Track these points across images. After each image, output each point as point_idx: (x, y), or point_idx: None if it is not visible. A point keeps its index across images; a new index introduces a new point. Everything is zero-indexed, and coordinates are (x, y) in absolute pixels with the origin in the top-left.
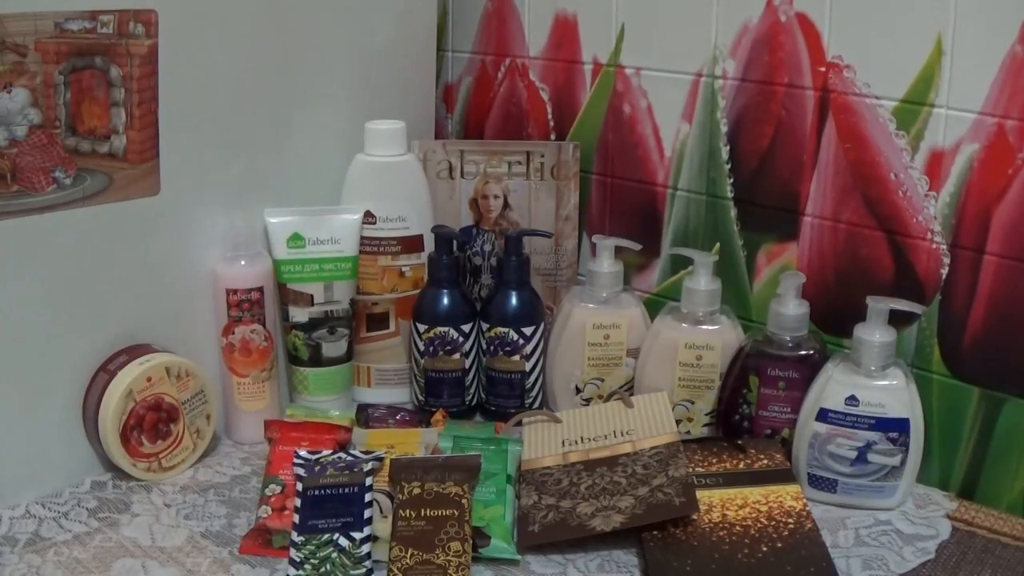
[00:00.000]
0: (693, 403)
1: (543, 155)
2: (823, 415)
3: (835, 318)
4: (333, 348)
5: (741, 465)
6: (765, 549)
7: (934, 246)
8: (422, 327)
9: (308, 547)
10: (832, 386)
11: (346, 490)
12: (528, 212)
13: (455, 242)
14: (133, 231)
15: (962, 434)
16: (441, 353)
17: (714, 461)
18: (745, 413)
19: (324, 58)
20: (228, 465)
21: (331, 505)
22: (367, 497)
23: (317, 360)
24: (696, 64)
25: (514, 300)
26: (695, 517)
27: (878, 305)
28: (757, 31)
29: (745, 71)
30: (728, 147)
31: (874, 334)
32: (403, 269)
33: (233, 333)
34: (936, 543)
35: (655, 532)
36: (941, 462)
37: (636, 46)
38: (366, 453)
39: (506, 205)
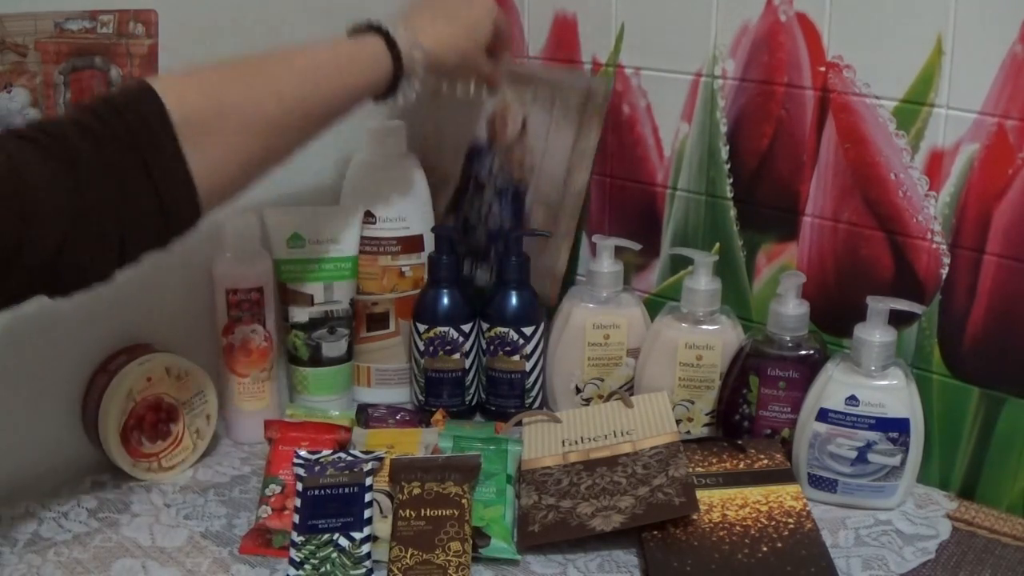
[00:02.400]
0: (693, 403)
1: (572, 88)
2: (823, 415)
3: (835, 318)
4: (333, 348)
5: (741, 465)
6: (765, 549)
7: (934, 246)
8: (422, 327)
9: (308, 547)
10: (832, 386)
11: (346, 490)
12: (545, 141)
13: (454, 242)
14: None
15: (962, 434)
16: (441, 353)
17: (714, 461)
18: (745, 413)
19: None
20: (228, 465)
21: (331, 505)
22: (367, 497)
23: (317, 360)
24: (696, 64)
25: (514, 300)
26: (695, 517)
27: (878, 305)
28: (757, 31)
29: (745, 71)
30: (728, 147)
31: (874, 334)
32: (403, 269)
33: (233, 333)
34: (936, 543)
35: (655, 532)
36: (941, 462)
37: (636, 46)
38: (366, 453)
39: (523, 130)
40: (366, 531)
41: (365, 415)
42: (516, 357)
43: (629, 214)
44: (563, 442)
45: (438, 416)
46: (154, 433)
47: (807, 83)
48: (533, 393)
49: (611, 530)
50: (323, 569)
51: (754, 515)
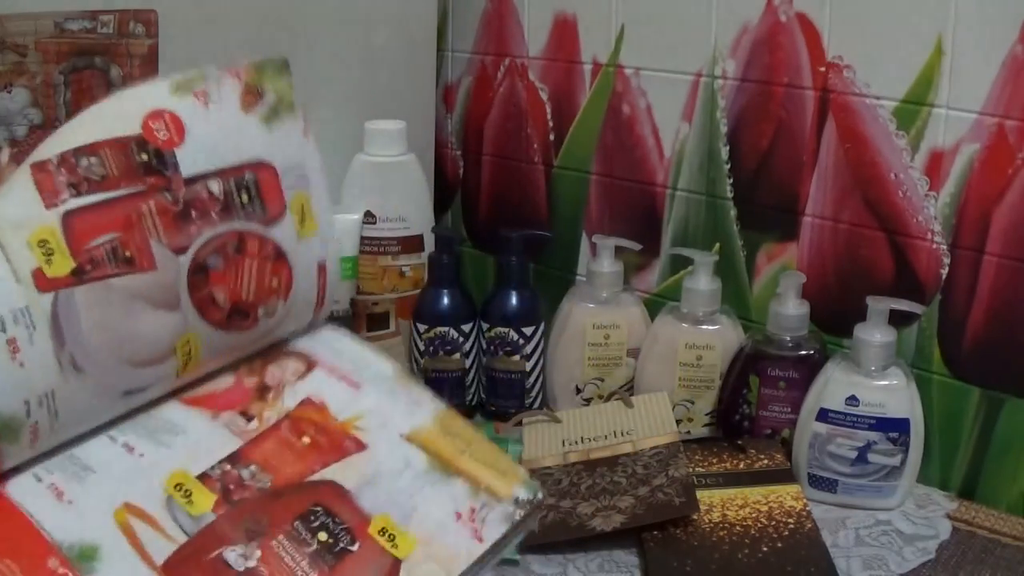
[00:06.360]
0: (693, 403)
1: None
2: (823, 415)
3: (835, 318)
4: None
5: (741, 465)
6: (765, 549)
7: (934, 246)
8: (422, 327)
9: None
10: (832, 386)
11: None
12: None
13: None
14: None
15: (962, 434)
16: (441, 353)
17: (714, 461)
18: (745, 413)
19: (324, 58)
20: None
21: None
22: None
23: None
24: (696, 64)
25: (514, 300)
26: (695, 517)
27: (878, 305)
28: (757, 31)
29: (745, 71)
30: (728, 147)
31: (874, 334)
32: (403, 269)
33: None
34: (936, 543)
35: (655, 532)
36: (941, 462)
37: (636, 46)
38: None
39: None
40: None
41: None
42: (516, 357)
43: (629, 214)
44: (563, 442)
45: None
46: None
47: (807, 83)
48: (533, 393)
49: (611, 530)
50: None
51: (754, 515)
